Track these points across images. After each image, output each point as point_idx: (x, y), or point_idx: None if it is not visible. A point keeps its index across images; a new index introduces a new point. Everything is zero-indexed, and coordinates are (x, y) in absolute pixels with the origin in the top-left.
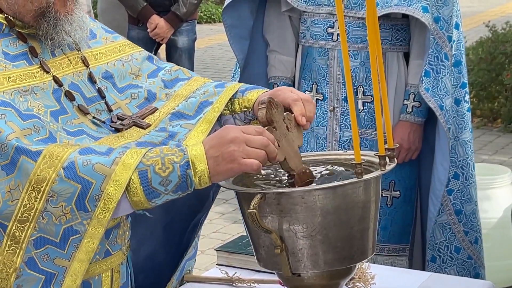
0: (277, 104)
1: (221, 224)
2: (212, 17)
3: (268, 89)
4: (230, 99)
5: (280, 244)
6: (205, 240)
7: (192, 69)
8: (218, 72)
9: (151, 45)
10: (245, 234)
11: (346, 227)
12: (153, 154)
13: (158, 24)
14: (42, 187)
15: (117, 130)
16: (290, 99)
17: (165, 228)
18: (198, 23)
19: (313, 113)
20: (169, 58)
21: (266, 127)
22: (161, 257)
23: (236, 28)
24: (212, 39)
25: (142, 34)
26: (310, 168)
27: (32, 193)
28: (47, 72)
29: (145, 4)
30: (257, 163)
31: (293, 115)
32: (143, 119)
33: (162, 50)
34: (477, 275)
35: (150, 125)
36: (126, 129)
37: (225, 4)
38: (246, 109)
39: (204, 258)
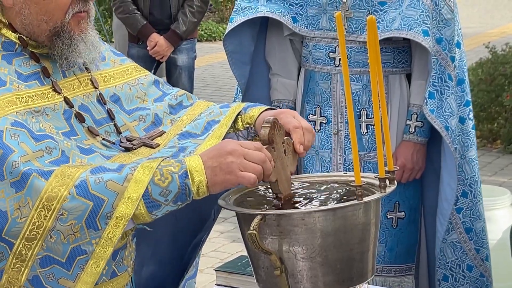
0: (280, 127)
1: (220, 242)
2: (213, 35)
3: (270, 107)
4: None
5: (279, 265)
6: (203, 258)
7: (192, 87)
8: (218, 90)
9: (151, 63)
10: (245, 254)
11: (345, 249)
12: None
13: (158, 42)
14: (53, 205)
15: (127, 150)
16: (291, 125)
17: (168, 247)
18: (198, 41)
19: (311, 143)
20: (169, 76)
21: (265, 146)
22: (162, 277)
23: (237, 53)
24: (212, 57)
25: (142, 52)
26: (311, 190)
27: (42, 211)
28: (59, 93)
29: (145, 22)
30: (254, 177)
31: (292, 141)
32: (151, 140)
33: (162, 68)
34: None
35: (159, 145)
36: (135, 149)
37: (226, 31)
38: (248, 125)
39: (203, 277)
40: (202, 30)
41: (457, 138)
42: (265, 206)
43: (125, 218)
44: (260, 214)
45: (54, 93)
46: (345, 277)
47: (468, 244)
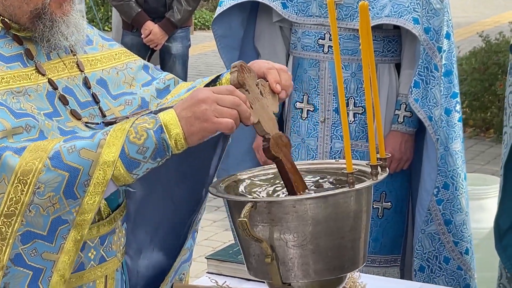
0: (250, 70)
1: (212, 231)
2: (207, 23)
3: None
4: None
5: (270, 253)
6: (196, 247)
7: (185, 75)
8: None
9: (145, 51)
10: (236, 242)
11: (337, 236)
12: (129, 125)
13: (152, 30)
14: (28, 178)
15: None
16: (264, 68)
17: (167, 232)
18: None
19: (289, 83)
20: (163, 65)
21: (240, 88)
22: (161, 263)
23: (226, 38)
24: (206, 46)
25: (136, 40)
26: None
27: (18, 186)
28: (43, 75)
29: (140, 10)
30: (231, 121)
31: (267, 82)
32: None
33: (156, 56)
34: (467, 286)
35: None
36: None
37: (216, 14)
38: None
39: (195, 266)
40: (195, 19)
41: (441, 129)
42: (257, 193)
43: (103, 184)
44: (250, 201)
45: (37, 74)
46: (337, 265)
47: (447, 236)
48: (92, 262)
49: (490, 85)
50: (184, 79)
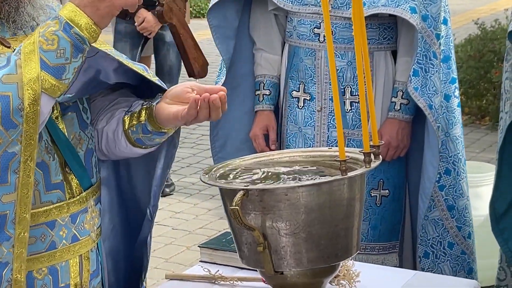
0: None
1: (207, 220)
2: (202, 12)
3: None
4: None
5: (262, 241)
6: (190, 236)
7: (179, 64)
8: None
9: (139, 39)
10: (230, 230)
11: (330, 224)
12: (39, 36)
13: (145, 18)
14: None
15: None
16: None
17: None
18: None
19: None
20: (157, 53)
21: None
22: (120, 250)
23: (221, 28)
24: (200, 34)
25: (130, 28)
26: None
27: None
28: (8, 47)
29: None
30: None
31: None
32: None
33: (150, 44)
34: (470, 270)
35: None
36: None
37: (210, 4)
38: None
39: (190, 254)
40: (190, 7)
41: (441, 116)
42: (249, 181)
43: (36, 101)
44: (242, 189)
45: (1, 46)
46: (330, 253)
47: (450, 221)
48: (64, 241)
49: (486, 72)
50: (178, 67)
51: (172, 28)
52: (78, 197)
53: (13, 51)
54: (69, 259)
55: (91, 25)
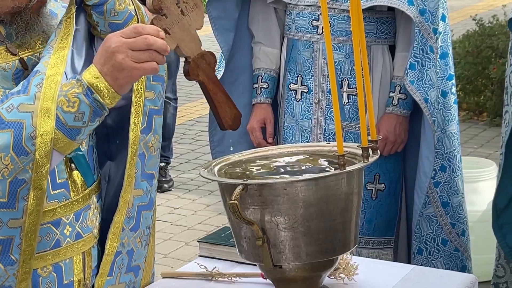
0: None
1: (206, 215)
2: None
3: None
4: None
5: (261, 236)
6: (189, 231)
7: (178, 59)
8: None
9: None
10: (229, 225)
11: (328, 219)
12: (60, 91)
13: None
14: None
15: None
16: None
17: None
18: None
19: None
20: None
21: (155, 16)
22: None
23: (221, 20)
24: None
25: None
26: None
27: None
28: (13, 55)
29: None
30: (153, 64)
31: None
32: None
33: None
34: (464, 268)
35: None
36: None
37: None
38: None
39: (188, 250)
40: None
41: (437, 111)
42: (248, 176)
43: (49, 132)
44: (241, 184)
45: (7, 53)
46: (328, 247)
47: (444, 218)
48: (68, 238)
49: (484, 68)
50: (176, 62)
51: (200, 85)
52: (82, 194)
53: (26, 69)
54: (72, 256)
55: (111, 92)
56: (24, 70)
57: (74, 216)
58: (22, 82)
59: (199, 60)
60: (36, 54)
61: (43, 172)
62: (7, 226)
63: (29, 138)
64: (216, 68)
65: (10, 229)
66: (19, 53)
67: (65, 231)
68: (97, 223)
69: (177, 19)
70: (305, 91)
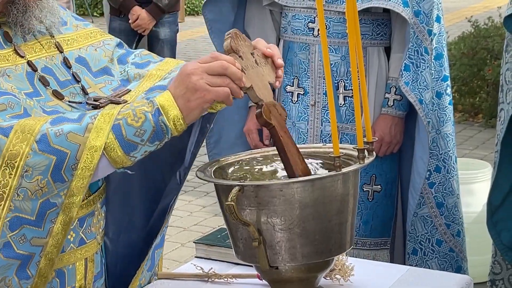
0: (245, 38)
1: (202, 217)
2: (196, 9)
3: None
4: None
5: (258, 237)
6: (185, 232)
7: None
8: None
9: (133, 36)
10: (225, 226)
11: (324, 220)
12: (124, 109)
13: (139, 15)
14: (16, 162)
15: (94, 108)
16: (253, 41)
17: (143, 214)
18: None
19: (281, 58)
20: (151, 50)
21: (232, 53)
22: (138, 243)
23: (217, 22)
24: (195, 32)
25: (124, 26)
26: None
27: (6, 170)
28: (22, 57)
29: None
30: (226, 89)
31: (262, 51)
32: (119, 98)
33: (144, 42)
34: (459, 268)
35: (126, 102)
36: (102, 107)
37: None
38: None
39: (184, 251)
40: (184, 4)
41: (432, 112)
42: (245, 177)
43: (90, 168)
44: (238, 185)
45: (16, 56)
46: (324, 248)
47: (439, 219)
48: (71, 244)
49: (479, 70)
50: None
51: (271, 130)
52: (86, 200)
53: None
54: (75, 262)
55: (179, 118)
56: (34, 72)
57: (78, 222)
58: (80, 112)
59: (271, 107)
60: (42, 58)
61: (76, 201)
62: (30, 242)
63: (69, 169)
64: None
65: (32, 246)
66: (27, 56)
67: (69, 236)
68: (100, 229)
69: (252, 65)
70: (302, 93)
